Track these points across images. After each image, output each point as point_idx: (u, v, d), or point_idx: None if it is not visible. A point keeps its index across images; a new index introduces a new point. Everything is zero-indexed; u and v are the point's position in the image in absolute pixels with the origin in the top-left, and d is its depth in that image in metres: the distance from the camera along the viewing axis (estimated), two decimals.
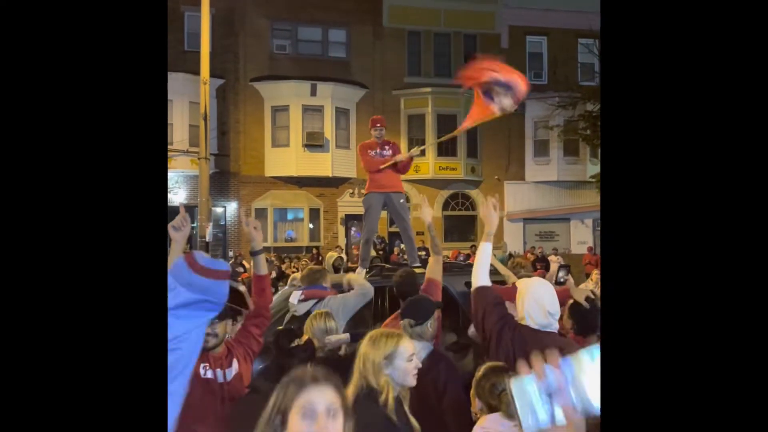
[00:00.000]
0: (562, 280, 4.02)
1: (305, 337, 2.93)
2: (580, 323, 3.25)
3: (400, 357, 2.28)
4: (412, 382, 2.31)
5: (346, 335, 3.35)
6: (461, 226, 20.98)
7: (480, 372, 2.42)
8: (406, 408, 2.28)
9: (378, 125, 5.72)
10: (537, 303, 2.84)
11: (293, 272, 11.73)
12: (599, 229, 21.46)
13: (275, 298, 5.73)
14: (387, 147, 5.66)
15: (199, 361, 2.66)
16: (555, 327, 2.90)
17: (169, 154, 16.20)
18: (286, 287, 6.17)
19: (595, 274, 7.44)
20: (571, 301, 3.37)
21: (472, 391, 2.42)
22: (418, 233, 20.45)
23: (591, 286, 6.78)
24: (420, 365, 2.33)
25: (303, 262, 13.35)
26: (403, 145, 19.93)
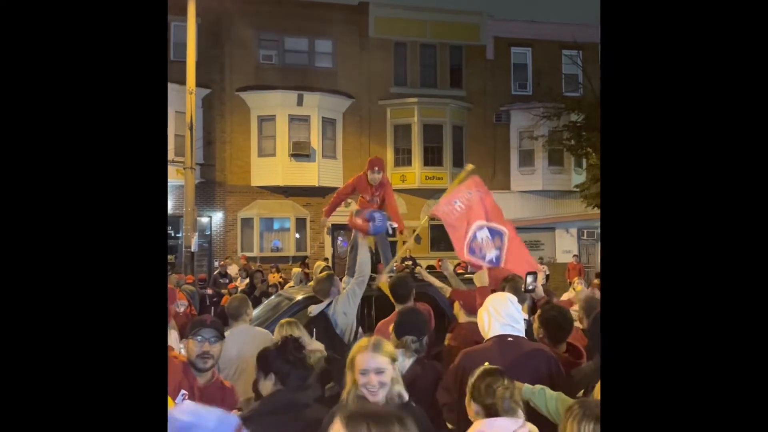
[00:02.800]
0: (530, 287, 4.08)
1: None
2: (550, 332, 3.32)
3: (356, 366, 2.33)
4: (367, 395, 2.28)
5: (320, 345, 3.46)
6: (447, 235, 21.00)
7: (474, 376, 2.43)
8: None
9: (376, 168, 5.53)
10: (492, 314, 3.01)
11: (281, 281, 11.71)
12: (584, 238, 21.65)
13: (262, 307, 5.74)
14: (377, 193, 5.58)
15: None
16: (519, 332, 3.01)
17: None
18: (272, 297, 6.18)
19: (578, 282, 7.54)
20: (539, 312, 3.46)
21: (467, 397, 2.43)
22: (404, 242, 20.48)
23: (573, 294, 6.86)
24: (378, 384, 2.30)
25: (294, 270, 13.31)
26: (389, 155, 20.00)
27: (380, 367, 2.31)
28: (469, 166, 5.08)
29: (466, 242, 4.61)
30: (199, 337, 2.69)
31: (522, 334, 3.02)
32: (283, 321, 3.55)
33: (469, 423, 2.37)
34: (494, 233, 4.62)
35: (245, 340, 4.10)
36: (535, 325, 3.42)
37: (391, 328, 3.24)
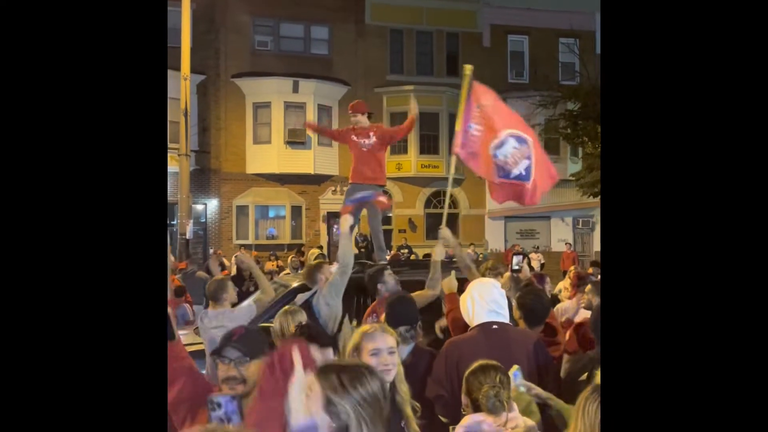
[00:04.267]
0: (517, 267, 4.12)
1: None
2: (526, 314, 3.34)
3: (364, 349, 2.32)
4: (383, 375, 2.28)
5: None
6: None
7: (471, 368, 2.43)
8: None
9: (361, 113, 5.47)
10: (476, 300, 2.98)
11: (276, 269, 11.72)
12: (579, 226, 21.71)
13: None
14: (371, 134, 5.48)
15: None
16: (504, 318, 3.00)
17: None
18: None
19: (572, 271, 7.58)
20: (517, 294, 3.48)
21: (462, 388, 2.44)
22: (400, 230, 20.44)
23: (568, 283, 6.90)
24: (391, 364, 2.29)
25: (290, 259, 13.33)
26: None
27: (392, 348, 2.31)
28: (468, 68, 4.21)
29: (493, 165, 4.11)
30: (224, 359, 2.14)
31: (507, 320, 3.01)
32: (285, 308, 3.53)
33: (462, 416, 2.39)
34: (520, 141, 4.06)
35: (222, 324, 4.06)
36: (514, 306, 3.44)
37: (382, 319, 3.22)
